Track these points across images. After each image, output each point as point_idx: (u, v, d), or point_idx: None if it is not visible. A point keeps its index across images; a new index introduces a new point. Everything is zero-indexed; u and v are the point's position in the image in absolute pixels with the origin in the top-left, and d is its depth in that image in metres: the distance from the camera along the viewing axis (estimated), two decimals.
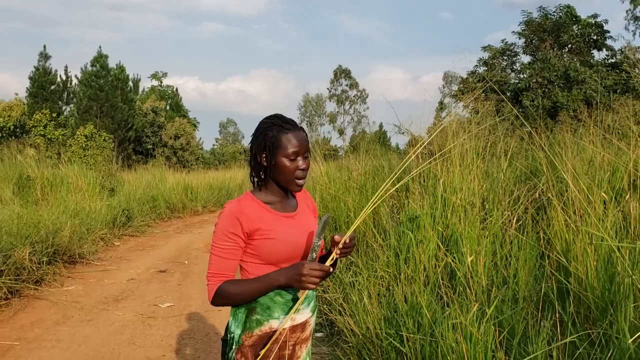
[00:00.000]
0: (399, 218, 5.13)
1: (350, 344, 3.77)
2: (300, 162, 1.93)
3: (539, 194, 5.74)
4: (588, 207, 4.29)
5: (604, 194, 4.67)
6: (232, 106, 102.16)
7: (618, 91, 15.25)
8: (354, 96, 67.64)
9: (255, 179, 2.01)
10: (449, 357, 2.68)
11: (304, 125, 70.26)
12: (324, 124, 69.74)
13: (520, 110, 13.32)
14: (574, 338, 2.25)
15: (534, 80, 15.34)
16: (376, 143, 11.38)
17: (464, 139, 6.12)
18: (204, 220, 15.33)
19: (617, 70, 16.63)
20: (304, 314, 1.99)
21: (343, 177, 7.96)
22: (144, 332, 5.31)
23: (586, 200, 4.84)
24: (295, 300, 1.92)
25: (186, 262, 9.07)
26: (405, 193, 5.89)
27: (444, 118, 12.66)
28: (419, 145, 2.44)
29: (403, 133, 11.34)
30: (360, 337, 3.62)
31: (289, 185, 1.95)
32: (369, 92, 66.56)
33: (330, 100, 67.99)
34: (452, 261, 4.24)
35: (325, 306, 5.17)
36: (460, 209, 4.84)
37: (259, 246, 1.90)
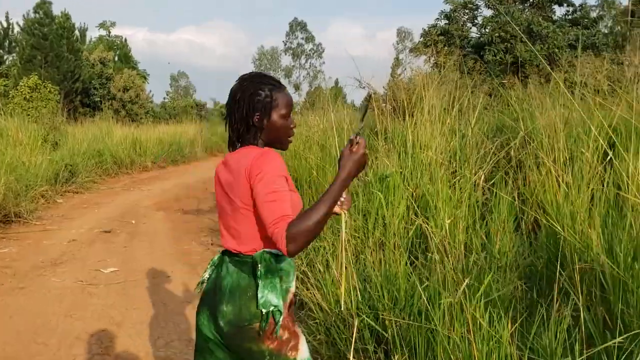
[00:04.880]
0: (367, 178, 4.70)
1: (317, 320, 3.35)
2: (290, 120, 1.91)
3: (514, 151, 5.44)
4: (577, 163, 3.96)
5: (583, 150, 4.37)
6: (184, 58, 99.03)
7: (579, 47, 15.09)
8: (310, 50, 66.67)
9: (238, 141, 1.90)
10: (452, 356, 2.27)
11: None
12: (280, 79, 68.58)
13: (482, 65, 13.00)
14: (622, 340, 1.85)
15: (497, 35, 14.99)
16: (333, 99, 10.92)
17: (431, 93, 5.73)
18: (154, 177, 14.63)
19: (578, 27, 16.46)
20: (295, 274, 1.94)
21: (303, 134, 7.46)
22: (84, 302, 4.79)
23: (569, 155, 4.54)
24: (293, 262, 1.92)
25: (133, 221, 8.48)
26: (374, 151, 5.45)
27: (400, 75, 12.37)
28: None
29: (364, 87, 10.94)
30: (329, 312, 3.20)
31: (283, 144, 1.93)
32: (325, 47, 65.53)
33: (285, 54, 66.89)
34: (425, 224, 3.86)
35: None
36: (436, 166, 4.44)
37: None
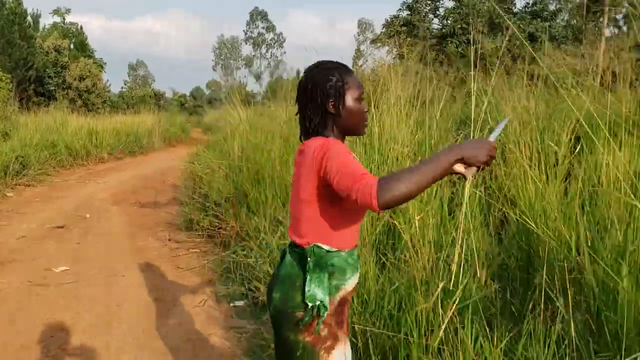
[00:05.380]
0: None
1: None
2: (363, 104, 1.84)
3: None
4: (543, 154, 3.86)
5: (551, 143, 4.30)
6: (143, 47, 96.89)
7: (539, 40, 15.25)
8: (270, 40, 66.13)
9: (314, 130, 1.81)
10: None
11: (218, 69, 68.45)
12: (240, 68, 67.96)
13: (444, 56, 12.97)
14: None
15: (459, 27, 15.00)
16: (294, 90, 10.74)
17: (396, 84, 5.59)
18: (110, 169, 14.15)
19: (538, 19, 16.62)
20: (358, 273, 1.90)
21: (265, 125, 7.23)
22: (30, 305, 4.48)
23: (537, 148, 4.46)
24: (359, 259, 1.87)
25: (88, 215, 8.11)
26: None
27: (362, 65, 12.26)
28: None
29: None
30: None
31: (360, 129, 1.85)
32: (286, 37, 65.19)
33: (246, 44, 66.22)
34: (394, 220, 3.71)
35: (247, 272, 4.54)
36: (403, 159, 4.29)
37: None
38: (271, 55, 65.92)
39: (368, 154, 4.66)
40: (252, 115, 8.64)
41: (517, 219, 3.42)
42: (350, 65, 1.92)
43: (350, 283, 1.86)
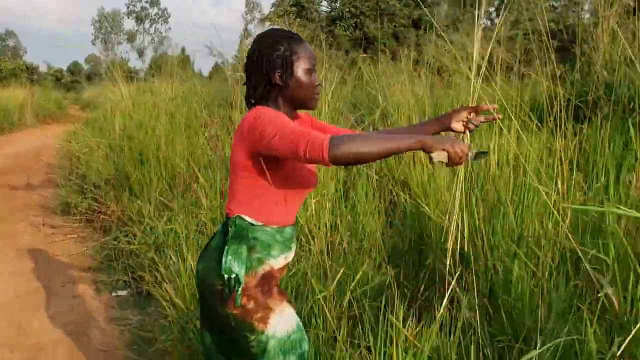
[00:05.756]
0: (223, 152, 4.34)
1: (170, 319, 2.95)
2: (314, 76, 1.75)
3: (372, 127, 5.39)
4: None
5: None
6: (13, 17, 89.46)
7: (422, 27, 15.76)
8: (154, 15, 63.61)
9: (257, 101, 1.74)
10: None
11: (98, 43, 64.84)
12: (122, 43, 64.83)
13: (333, 39, 13.04)
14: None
15: (347, 10, 15.14)
16: (180, 66, 10.36)
17: None
18: None
19: (421, 6, 17.13)
20: (293, 251, 1.83)
21: (149, 102, 6.84)
22: None
23: None
24: (292, 239, 1.79)
25: None
26: (228, 123, 5.09)
27: (249, 44, 12.02)
28: None
29: (214, 55, 10.42)
30: (184, 309, 2.82)
31: (309, 102, 1.75)
32: (170, 12, 62.98)
33: (128, 17, 63.20)
34: None
35: (130, 259, 4.25)
36: None
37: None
38: (155, 31, 63.47)
39: None
40: (134, 92, 8.18)
41: (408, 201, 3.45)
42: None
43: (279, 260, 1.77)
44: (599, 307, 1.55)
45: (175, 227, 3.74)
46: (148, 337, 3.20)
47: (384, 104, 5.39)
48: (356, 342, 2.12)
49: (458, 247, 2.87)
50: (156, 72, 10.61)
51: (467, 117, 1.85)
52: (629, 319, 1.55)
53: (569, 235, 1.62)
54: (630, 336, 1.31)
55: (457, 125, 1.86)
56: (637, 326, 1.36)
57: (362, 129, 5.39)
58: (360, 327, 2.04)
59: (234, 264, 1.67)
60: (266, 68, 1.70)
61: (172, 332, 2.84)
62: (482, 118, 1.86)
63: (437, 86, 6.54)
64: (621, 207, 1.38)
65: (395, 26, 15.11)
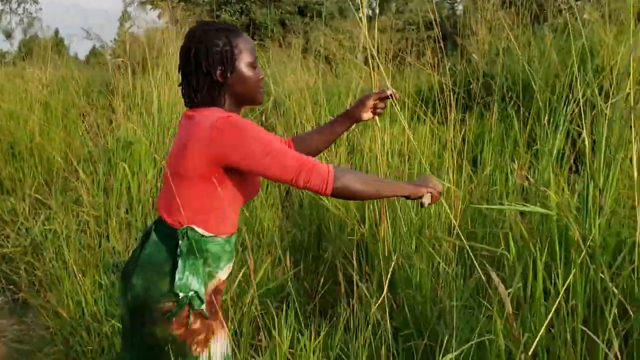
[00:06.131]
0: (105, 144, 4.05)
1: (52, 329, 2.69)
2: (258, 69, 1.63)
3: (264, 115, 5.30)
4: None
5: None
6: None
7: (308, 14, 15.83)
8: None
9: (203, 102, 1.59)
10: None
11: None
12: None
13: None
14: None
15: None
16: (55, 50, 9.68)
17: (174, 49, 5.25)
18: None
19: None
20: (233, 261, 1.71)
21: (19, 89, 6.28)
22: None
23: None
24: (236, 247, 1.73)
25: None
26: (110, 112, 4.77)
27: (129, 28, 11.50)
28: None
29: (92, 38, 9.82)
30: (68, 319, 2.57)
31: (255, 97, 1.63)
32: None
33: None
34: None
35: (2, 264, 3.86)
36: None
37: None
38: (24, 11, 58.92)
39: (147, 125, 4.27)
40: (3, 78, 7.49)
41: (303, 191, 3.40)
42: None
43: (225, 271, 1.65)
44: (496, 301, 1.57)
45: (55, 226, 3.44)
46: (27, 351, 2.90)
47: (276, 92, 5.31)
48: (257, 344, 2.05)
49: (356, 238, 2.87)
50: (27, 56, 9.83)
51: (373, 104, 1.84)
52: (532, 320, 1.59)
53: (460, 235, 1.64)
54: (538, 338, 1.33)
55: (367, 115, 1.85)
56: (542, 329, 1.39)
57: (253, 118, 5.29)
58: (263, 329, 1.96)
59: (192, 281, 1.52)
60: (206, 65, 1.56)
61: (55, 344, 2.60)
62: (385, 102, 1.86)
63: (327, 74, 6.57)
64: (526, 204, 1.41)
65: (282, 13, 15.05)
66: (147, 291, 1.55)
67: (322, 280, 2.78)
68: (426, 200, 1.60)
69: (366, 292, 2.06)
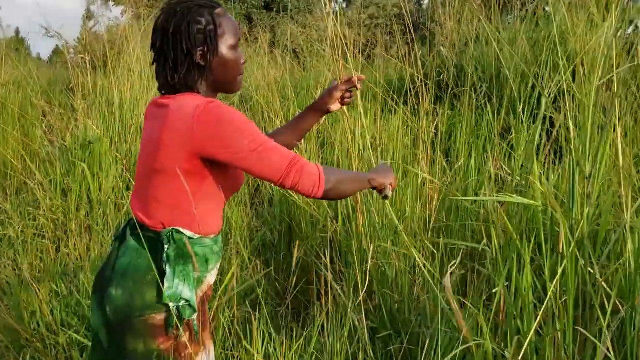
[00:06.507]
0: (64, 144, 3.86)
1: (5, 344, 2.50)
2: (240, 53, 1.47)
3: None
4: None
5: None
6: None
7: (274, 9, 15.67)
8: None
9: (180, 86, 1.41)
10: None
11: None
12: None
13: None
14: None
15: None
16: (10, 49, 9.40)
17: (137, 45, 5.07)
18: None
19: None
20: (220, 262, 1.55)
21: None
22: None
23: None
24: (222, 250, 1.53)
25: None
26: (70, 111, 4.57)
27: (93, 27, 11.22)
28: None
29: (52, 36, 9.63)
30: (21, 331, 2.39)
31: (235, 84, 1.48)
32: None
33: None
34: None
35: None
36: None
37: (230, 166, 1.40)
38: None
39: (107, 121, 4.09)
40: None
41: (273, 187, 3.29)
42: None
43: (213, 274, 1.51)
44: (483, 298, 1.48)
45: (9, 232, 3.25)
46: None
47: (243, 87, 5.18)
48: (227, 353, 1.91)
49: (329, 235, 2.77)
50: None
51: (340, 95, 1.75)
52: (517, 316, 1.49)
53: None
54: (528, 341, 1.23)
55: (335, 106, 1.77)
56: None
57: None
58: (233, 337, 1.83)
59: (184, 289, 1.37)
60: (187, 44, 1.39)
61: (9, 356, 2.43)
62: (353, 92, 1.78)
63: (295, 68, 6.46)
64: (510, 195, 1.31)
65: (248, 7, 14.86)
66: (129, 302, 1.38)
67: (294, 281, 2.68)
68: (389, 192, 1.57)
69: (341, 293, 1.94)
